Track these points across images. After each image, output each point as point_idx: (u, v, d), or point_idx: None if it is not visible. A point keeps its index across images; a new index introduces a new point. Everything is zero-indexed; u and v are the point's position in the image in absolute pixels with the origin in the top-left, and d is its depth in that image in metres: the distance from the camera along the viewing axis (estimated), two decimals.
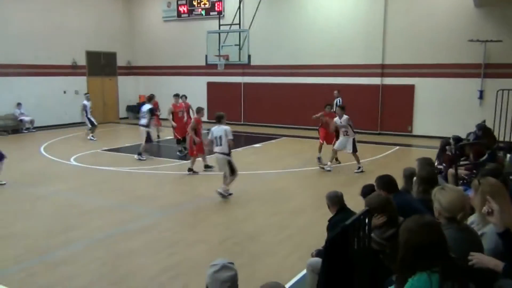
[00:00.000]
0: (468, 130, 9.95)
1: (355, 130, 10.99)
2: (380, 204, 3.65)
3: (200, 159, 10.88)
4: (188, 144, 11.08)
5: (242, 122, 19.57)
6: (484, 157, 7.25)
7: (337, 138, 11.10)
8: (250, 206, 8.27)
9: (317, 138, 12.03)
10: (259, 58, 16.84)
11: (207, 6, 19.82)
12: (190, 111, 13.25)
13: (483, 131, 9.13)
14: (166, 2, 21.06)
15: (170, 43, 21.27)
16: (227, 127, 8.56)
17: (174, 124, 12.93)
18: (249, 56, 14.14)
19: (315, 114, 11.76)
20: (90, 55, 20.42)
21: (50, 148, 14.15)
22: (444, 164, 7.80)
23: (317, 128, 12.18)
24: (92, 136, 15.50)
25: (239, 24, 15.24)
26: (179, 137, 12.87)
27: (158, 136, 15.19)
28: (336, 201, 4.82)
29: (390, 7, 16.31)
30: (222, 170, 8.66)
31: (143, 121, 12.26)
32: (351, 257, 3.26)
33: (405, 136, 16.26)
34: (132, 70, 22.60)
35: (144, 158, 12.00)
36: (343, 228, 3.21)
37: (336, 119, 10.84)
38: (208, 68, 17.85)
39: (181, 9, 20.62)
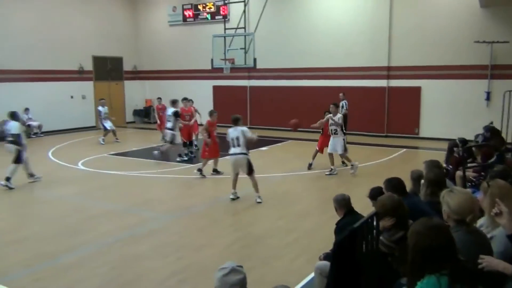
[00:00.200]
0: (475, 132, 9.88)
1: (347, 131, 10.98)
2: (393, 206, 3.60)
3: (210, 162, 10.88)
4: (201, 146, 11.13)
5: (248, 126, 19.32)
6: (493, 159, 7.19)
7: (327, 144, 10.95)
8: (257, 209, 8.28)
9: None
10: (264, 62, 16.82)
11: (212, 10, 19.90)
12: (197, 115, 13.27)
13: (491, 132, 9.06)
14: (171, 6, 21.15)
15: (176, 47, 21.35)
16: (244, 128, 8.74)
17: (181, 125, 13.00)
18: (254, 60, 14.14)
19: (314, 124, 11.40)
20: (97, 60, 20.57)
21: (58, 152, 14.25)
22: (451, 166, 7.76)
23: (321, 132, 11.75)
24: (103, 139, 15.77)
25: (245, 27, 15.25)
26: (185, 140, 12.95)
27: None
28: (343, 204, 4.82)
29: (396, 9, 16.26)
30: (236, 171, 8.70)
31: (169, 124, 12.75)
32: (359, 260, 3.26)
33: (412, 139, 16.15)
34: (138, 75, 22.72)
35: (186, 158, 12.72)
36: (351, 231, 3.21)
37: (330, 116, 10.77)
38: (214, 72, 17.88)
39: (187, 13, 20.69)
